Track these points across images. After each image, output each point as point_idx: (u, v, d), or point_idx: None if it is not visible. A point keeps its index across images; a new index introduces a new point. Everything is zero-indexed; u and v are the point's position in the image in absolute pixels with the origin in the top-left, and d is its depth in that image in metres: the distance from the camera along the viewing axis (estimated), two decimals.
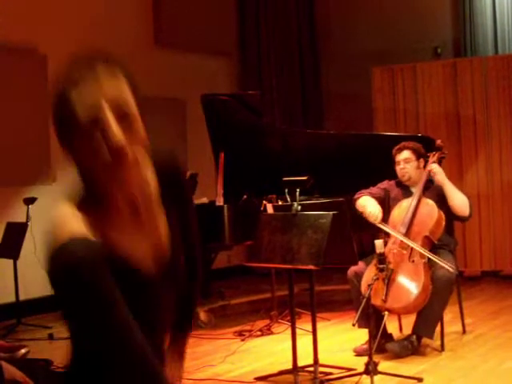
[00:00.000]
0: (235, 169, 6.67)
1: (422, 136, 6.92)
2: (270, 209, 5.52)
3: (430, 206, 5.22)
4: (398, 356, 5.04)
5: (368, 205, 5.28)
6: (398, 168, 5.44)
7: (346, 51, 10.29)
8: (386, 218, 5.37)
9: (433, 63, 8.89)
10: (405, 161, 5.39)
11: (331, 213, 4.28)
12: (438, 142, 5.70)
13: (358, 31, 10.17)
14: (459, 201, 5.28)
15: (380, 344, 5.05)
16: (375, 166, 5.96)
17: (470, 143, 8.45)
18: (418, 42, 9.60)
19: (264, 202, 6.12)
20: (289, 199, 4.65)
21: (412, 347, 5.10)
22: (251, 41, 10.04)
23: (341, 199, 4.99)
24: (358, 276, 5.11)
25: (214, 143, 6.78)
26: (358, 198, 5.42)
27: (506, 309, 6.68)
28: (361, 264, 5.16)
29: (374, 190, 5.53)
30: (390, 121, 8.82)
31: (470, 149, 8.45)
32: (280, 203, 5.86)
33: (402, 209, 5.30)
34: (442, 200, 5.29)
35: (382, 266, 4.57)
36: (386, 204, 5.50)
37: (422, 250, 5.04)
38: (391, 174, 5.50)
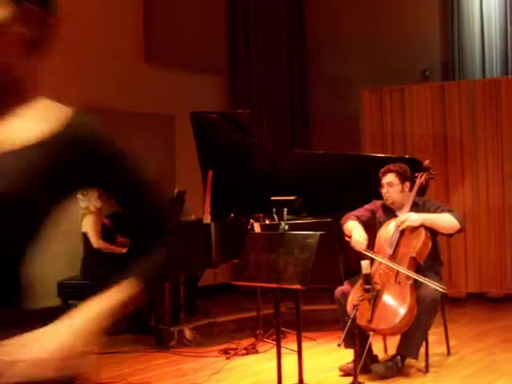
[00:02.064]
0: (223, 187, 6.68)
1: (409, 158, 6.97)
2: (257, 228, 5.53)
3: (416, 227, 5.24)
4: (382, 377, 5.04)
5: (354, 232, 5.27)
6: (382, 191, 5.45)
7: (335, 72, 10.35)
8: (372, 239, 5.39)
9: (421, 86, 8.96)
10: (388, 184, 5.38)
11: (318, 233, 4.30)
12: (426, 162, 5.72)
13: (348, 52, 10.23)
14: (445, 224, 5.29)
15: (365, 364, 5.06)
16: (362, 187, 5.98)
17: (456, 165, 8.51)
18: (407, 65, 9.66)
19: (251, 220, 6.14)
20: (276, 218, 4.67)
21: (397, 368, 5.11)
22: (241, 60, 10.09)
23: (328, 219, 5.01)
24: (345, 296, 5.11)
25: (203, 161, 6.79)
26: (345, 222, 5.43)
27: (490, 331, 6.70)
28: (347, 284, 5.17)
29: (360, 211, 5.53)
30: (378, 142, 8.86)
31: (457, 171, 8.50)
32: (267, 222, 5.88)
33: (389, 230, 5.30)
34: None
35: (368, 286, 4.59)
36: (373, 223, 5.51)
37: (409, 273, 5.05)
38: (378, 195, 5.52)
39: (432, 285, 5.00)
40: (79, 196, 7.29)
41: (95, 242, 7.10)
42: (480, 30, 9.40)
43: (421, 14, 9.88)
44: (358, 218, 5.43)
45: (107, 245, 7.13)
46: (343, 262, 5.01)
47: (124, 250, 7.03)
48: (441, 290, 5.02)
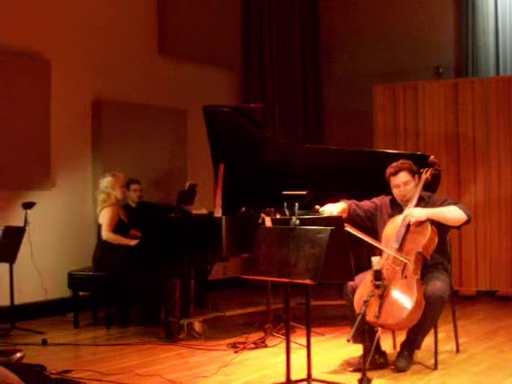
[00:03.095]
0: (234, 180, 6.68)
1: (421, 154, 6.95)
2: (268, 222, 5.53)
3: (422, 221, 5.23)
4: (406, 370, 5.08)
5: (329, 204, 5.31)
6: (396, 191, 5.40)
7: (349, 68, 10.34)
8: (380, 233, 5.39)
9: (434, 83, 8.93)
10: (404, 184, 5.35)
11: (329, 228, 4.29)
12: (431, 158, 5.72)
13: (361, 48, 10.22)
14: (451, 216, 5.26)
15: (373, 360, 5.07)
16: (374, 183, 5.97)
17: (468, 163, 8.49)
18: (420, 62, 9.64)
19: (262, 214, 6.14)
20: (287, 213, 4.66)
21: (412, 356, 5.16)
22: (254, 54, 10.08)
23: (339, 215, 5.01)
24: (355, 292, 5.12)
25: (215, 154, 6.79)
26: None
27: (500, 329, 6.69)
28: (357, 280, 5.17)
29: (364, 201, 5.55)
30: (391, 138, 8.85)
31: (469, 168, 8.49)
32: (278, 217, 5.87)
33: (395, 225, 5.29)
34: None
35: (378, 282, 4.59)
36: (378, 219, 5.51)
37: (398, 255, 5.05)
38: (390, 190, 5.50)
39: (402, 258, 5.01)
40: (103, 184, 7.32)
41: (105, 233, 7.13)
42: (494, 28, 9.37)
43: (435, 11, 9.86)
44: (357, 206, 5.46)
45: (116, 236, 7.15)
46: (354, 258, 4.99)
47: (132, 243, 7.05)
48: (406, 261, 5.01)
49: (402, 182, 5.36)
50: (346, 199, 5.51)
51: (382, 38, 10.06)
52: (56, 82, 7.64)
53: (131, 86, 8.45)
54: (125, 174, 7.53)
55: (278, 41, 10.24)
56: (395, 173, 5.38)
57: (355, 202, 5.52)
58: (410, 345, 5.18)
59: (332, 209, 5.28)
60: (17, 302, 6.89)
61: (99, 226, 7.25)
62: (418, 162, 5.58)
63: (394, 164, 5.44)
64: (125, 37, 8.49)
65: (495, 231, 8.39)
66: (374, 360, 5.10)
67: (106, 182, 7.31)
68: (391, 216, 5.43)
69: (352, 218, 5.43)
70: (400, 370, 5.09)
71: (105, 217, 7.19)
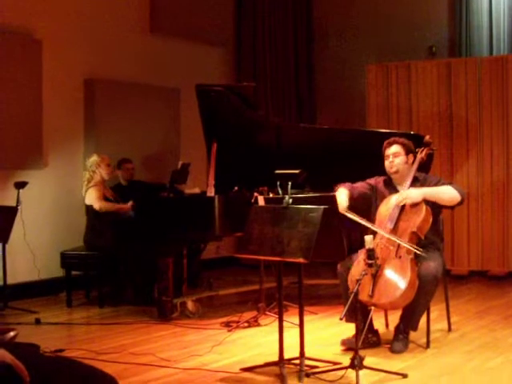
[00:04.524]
0: (227, 159, 6.67)
1: (414, 134, 6.95)
2: (261, 201, 5.53)
3: (417, 202, 5.23)
4: (401, 352, 5.11)
5: (337, 195, 5.26)
6: (386, 162, 5.45)
7: (342, 46, 10.29)
8: (374, 214, 5.39)
9: (427, 62, 8.92)
10: (394, 155, 5.40)
11: (322, 207, 4.29)
12: (427, 137, 5.74)
13: (355, 27, 10.17)
14: (446, 196, 5.29)
15: (366, 339, 5.09)
16: (367, 162, 5.97)
17: (461, 143, 8.49)
18: (414, 41, 9.61)
19: (255, 194, 6.13)
20: (280, 192, 4.65)
21: (407, 339, 5.19)
22: (247, 32, 10.04)
23: (332, 194, 5.00)
24: (349, 270, 5.13)
25: (207, 133, 6.78)
26: (337, 188, 5.45)
27: (492, 309, 6.72)
28: (351, 259, 5.18)
29: (359, 183, 5.55)
30: (384, 117, 8.84)
31: (462, 148, 8.48)
32: (271, 196, 5.87)
33: (389, 205, 5.30)
34: None
35: (371, 261, 4.59)
36: (373, 200, 5.51)
37: (406, 245, 5.04)
38: (382, 170, 5.51)
39: (411, 247, 5.01)
40: (88, 163, 7.31)
41: (97, 205, 7.13)
42: (488, 7, 9.33)
43: None
44: (352, 187, 5.44)
45: (110, 204, 7.18)
46: (347, 237, 4.99)
47: (126, 207, 7.08)
48: (418, 251, 5.02)
49: (392, 152, 5.41)
50: (344, 183, 5.49)
51: (375, 16, 10.02)
52: (47, 61, 7.59)
53: (124, 65, 8.41)
54: (117, 154, 7.51)
55: (270, 19, 10.18)
56: (389, 144, 5.47)
57: (350, 183, 5.50)
58: (405, 327, 5.20)
59: (341, 198, 5.25)
60: (10, 281, 6.89)
61: (87, 208, 7.25)
62: (413, 142, 5.59)
63: (392, 138, 5.53)
64: (117, 15, 8.43)
65: (487, 211, 8.40)
66: (366, 339, 5.13)
67: (91, 161, 7.35)
68: (386, 195, 5.44)
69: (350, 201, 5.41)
70: (397, 353, 5.12)
71: (92, 196, 7.21)
